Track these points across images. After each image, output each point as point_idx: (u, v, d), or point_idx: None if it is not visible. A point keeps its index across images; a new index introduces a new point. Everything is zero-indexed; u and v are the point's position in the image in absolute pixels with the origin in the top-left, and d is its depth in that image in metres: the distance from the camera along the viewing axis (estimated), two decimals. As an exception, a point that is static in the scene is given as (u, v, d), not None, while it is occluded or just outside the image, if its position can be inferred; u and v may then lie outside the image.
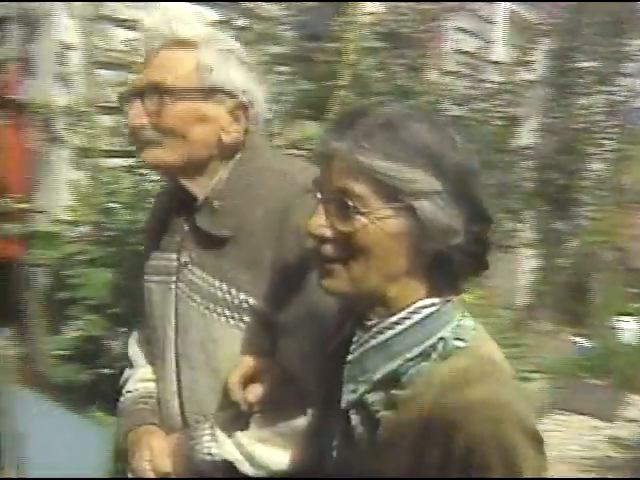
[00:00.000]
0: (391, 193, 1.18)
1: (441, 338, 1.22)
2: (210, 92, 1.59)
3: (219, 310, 1.59)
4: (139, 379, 1.81)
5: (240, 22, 3.50)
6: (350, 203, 1.18)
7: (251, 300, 1.55)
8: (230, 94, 1.60)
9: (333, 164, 1.21)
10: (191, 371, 1.65)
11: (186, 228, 1.66)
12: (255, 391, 1.47)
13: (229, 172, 1.63)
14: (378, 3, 4.20)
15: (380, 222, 1.18)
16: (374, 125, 1.20)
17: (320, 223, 1.22)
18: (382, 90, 3.83)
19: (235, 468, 1.54)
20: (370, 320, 1.26)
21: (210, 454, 1.56)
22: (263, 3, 3.56)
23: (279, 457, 1.52)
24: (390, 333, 1.23)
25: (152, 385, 1.78)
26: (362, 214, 1.18)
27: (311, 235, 1.23)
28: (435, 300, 1.24)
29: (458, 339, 1.22)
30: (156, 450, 1.64)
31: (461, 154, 1.22)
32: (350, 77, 3.68)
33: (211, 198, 1.61)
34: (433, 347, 1.22)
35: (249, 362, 1.51)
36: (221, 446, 1.55)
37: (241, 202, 1.59)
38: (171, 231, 1.71)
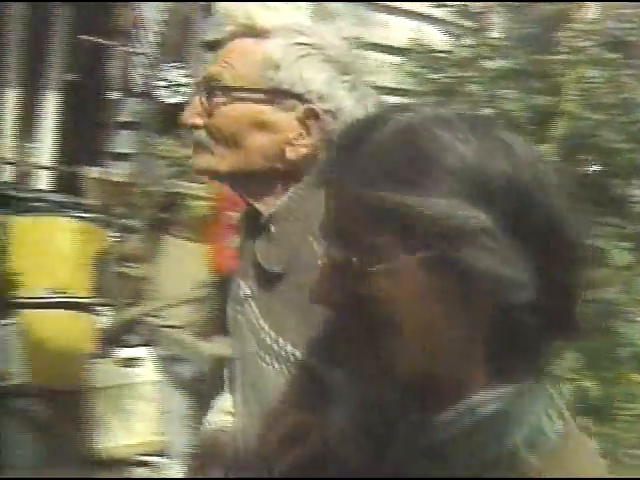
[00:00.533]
0: (417, 238, 0.79)
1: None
2: (274, 94, 1.30)
3: (267, 359, 1.31)
4: (220, 410, 1.54)
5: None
6: (360, 259, 0.81)
7: (298, 353, 1.26)
8: (301, 98, 1.30)
9: (334, 201, 0.86)
10: (248, 408, 1.38)
11: (252, 254, 1.37)
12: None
13: (292, 193, 1.32)
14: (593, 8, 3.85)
15: (407, 280, 0.80)
16: (387, 139, 0.82)
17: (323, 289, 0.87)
18: (609, 102, 3.46)
19: None
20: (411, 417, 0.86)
21: None
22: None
23: None
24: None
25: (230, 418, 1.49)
26: (380, 272, 0.80)
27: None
28: (502, 389, 0.83)
29: (532, 449, 0.81)
30: None
31: (522, 167, 0.81)
32: (577, 90, 3.42)
33: (271, 221, 1.32)
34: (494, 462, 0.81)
35: (291, 420, 1.16)
36: None
37: (297, 231, 1.29)
38: (245, 254, 1.43)
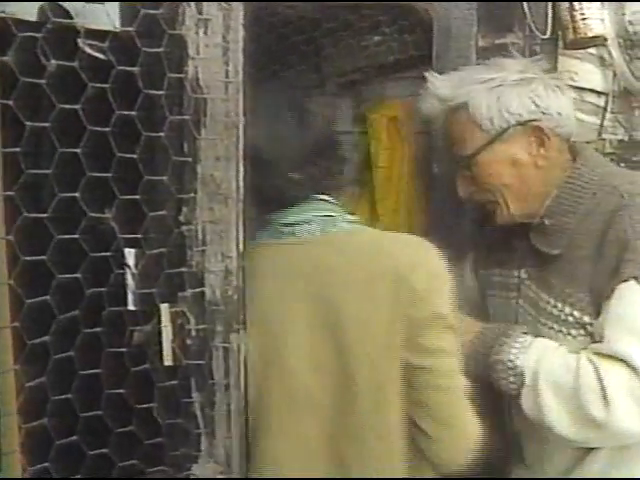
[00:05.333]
0: None
1: None
2: (497, 136, 1.65)
3: (549, 324, 1.65)
4: None
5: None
6: None
7: (576, 313, 1.61)
8: (519, 123, 1.65)
9: None
10: None
11: (524, 246, 1.74)
12: None
13: (558, 190, 1.67)
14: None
15: None
16: None
17: None
18: None
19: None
20: None
21: (510, 361, 1.60)
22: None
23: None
24: None
25: None
26: None
27: None
28: None
29: None
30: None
31: None
32: None
33: (544, 217, 1.68)
34: None
35: None
36: (526, 360, 1.59)
37: (570, 219, 1.65)
38: (511, 248, 1.79)
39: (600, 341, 1.54)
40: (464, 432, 1.48)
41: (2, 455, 1.19)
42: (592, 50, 2.68)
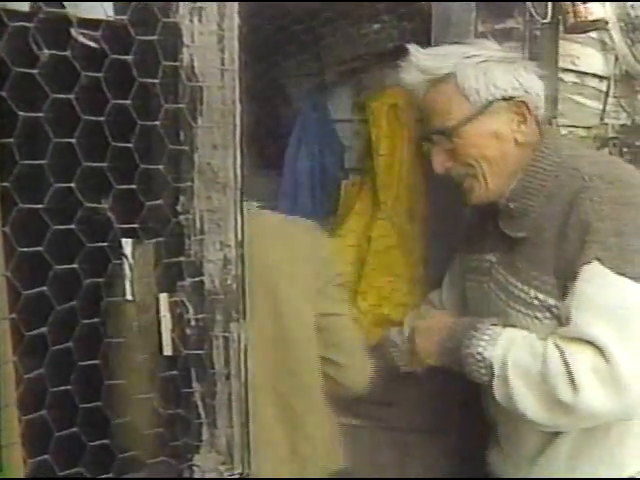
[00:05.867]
0: None
1: None
2: (483, 109, 1.66)
3: (517, 307, 1.67)
4: None
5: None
6: None
7: (540, 296, 1.62)
8: (503, 99, 1.68)
9: None
10: None
11: (494, 230, 1.76)
12: None
13: (523, 173, 1.68)
14: None
15: None
16: None
17: None
18: None
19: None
20: None
21: (479, 353, 1.63)
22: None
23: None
24: None
25: None
26: None
27: None
28: None
29: None
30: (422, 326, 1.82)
31: None
32: None
33: (509, 200, 1.70)
34: None
35: None
36: (494, 352, 1.62)
37: (533, 202, 1.66)
38: (484, 232, 1.81)
39: (567, 324, 1.55)
40: (365, 359, 1.91)
41: (2, 447, 1.18)
42: (593, 34, 2.66)
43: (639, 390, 1.52)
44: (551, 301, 1.62)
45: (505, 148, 1.69)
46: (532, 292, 1.64)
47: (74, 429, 1.23)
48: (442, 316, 1.81)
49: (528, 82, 1.70)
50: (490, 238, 1.79)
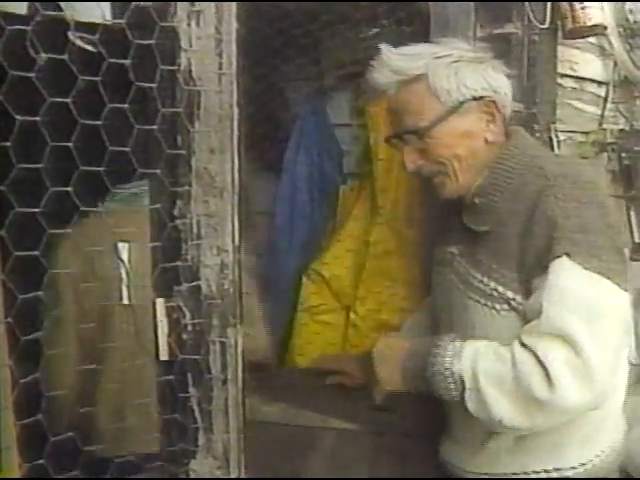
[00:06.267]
0: None
1: None
2: (454, 109, 1.68)
3: (476, 298, 1.70)
4: None
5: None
6: None
7: (500, 288, 1.65)
8: (474, 98, 1.69)
9: None
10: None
11: (458, 223, 1.78)
12: None
13: (489, 169, 1.71)
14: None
15: None
16: None
17: None
18: None
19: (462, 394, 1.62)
20: None
21: (447, 369, 1.63)
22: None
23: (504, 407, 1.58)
24: None
25: None
26: None
27: None
28: None
29: None
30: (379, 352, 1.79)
31: None
32: None
33: (474, 196, 1.72)
34: None
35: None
36: (462, 365, 1.62)
37: (498, 198, 1.69)
38: (448, 226, 1.85)
39: (538, 318, 1.58)
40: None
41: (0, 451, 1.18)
42: (592, 39, 2.66)
43: (607, 382, 1.55)
44: (510, 294, 1.64)
45: (475, 146, 1.72)
46: (492, 284, 1.67)
47: (70, 434, 1.23)
48: (398, 341, 1.82)
49: (496, 82, 1.72)
50: (454, 231, 1.82)
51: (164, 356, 1.35)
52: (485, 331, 1.67)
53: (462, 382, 1.61)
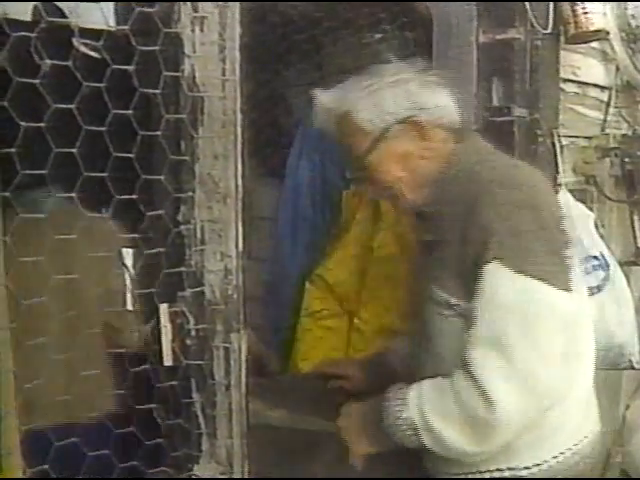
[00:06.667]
0: None
1: None
2: (380, 137, 1.71)
3: (429, 304, 1.71)
4: None
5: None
6: None
7: (444, 295, 1.67)
8: (397, 122, 1.71)
9: None
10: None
11: (415, 233, 1.85)
12: None
13: (434, 181, 1.73)
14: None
15: None
16: None
17: None
18: None
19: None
20: None
21: (400, 418, 1.65)
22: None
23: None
24: None
25: None
26: None
27: None
28: None
29: None
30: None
31: None
32: None
33: (423, 207, 1.75)
34: None
35: None
36: (410, 410, 1.64)
37: (442, 206, 1.70)
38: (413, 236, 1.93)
39: (474, 325, 1.61)
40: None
41: (2, 456, 1.18)
42: (594, 44, 2.67)
43: (550, 386, 1.56)
44: (453, 300, 1.66)
45: (415, 165, 1.75)
46: (438, 291, 1.69)
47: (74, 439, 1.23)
48: (356, 405, 1.82)
49: (423, 98, 1.74)
50: (415, 241, 1.89)
51: (168, 362, 1.35)
52: (442, 339, 1.70)
53: (414, 426, 1.63)
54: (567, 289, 1.59)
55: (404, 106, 1.72)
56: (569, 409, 1.68)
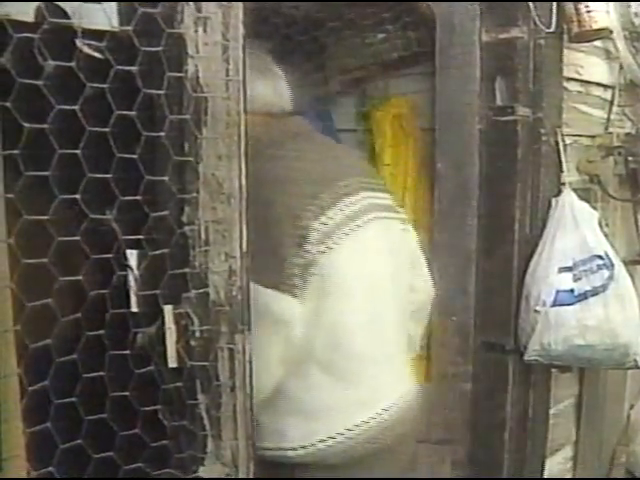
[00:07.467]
0: None
1: None
2: None
3: None
4: None
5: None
6: None
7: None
8: None
9: None
10: None
11: None
12: None
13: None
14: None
15: None
16: None
17: None
18: None
19: None
20: None
21: None
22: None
23: None
24: None
25: None
26: None
27: None
28: None
29: None
30: None
31: None
32: None
33: None
34: None
35: None
36: None
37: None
38: None
39: None
40: None
41: (6, 459, 1.18)
42: (597, 43, 2.66)
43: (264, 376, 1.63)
44: None
45: None
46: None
47: (79, 441, 1.23)
48: None
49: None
50: None
51: (173, 363, 1.35)
52: None
53: None
54: (278, 288, 1.67)
55: None
56: (321, 400, 1.78)
